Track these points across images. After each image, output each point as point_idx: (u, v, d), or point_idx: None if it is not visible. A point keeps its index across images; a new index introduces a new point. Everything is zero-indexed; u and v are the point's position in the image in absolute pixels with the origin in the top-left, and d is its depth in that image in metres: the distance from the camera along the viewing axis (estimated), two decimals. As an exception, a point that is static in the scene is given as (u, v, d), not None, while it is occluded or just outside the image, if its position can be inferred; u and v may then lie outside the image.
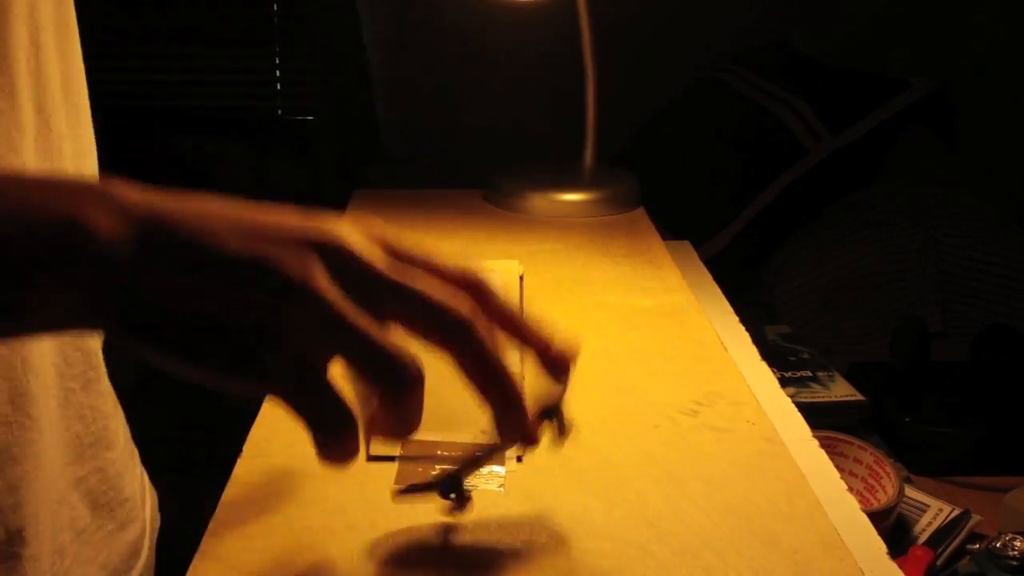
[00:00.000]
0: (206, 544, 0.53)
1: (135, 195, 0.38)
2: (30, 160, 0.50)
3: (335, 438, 0.40)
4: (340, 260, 0.39)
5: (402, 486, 0.52)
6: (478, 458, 0.51)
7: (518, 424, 0.44)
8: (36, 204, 0.37)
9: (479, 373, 0.42)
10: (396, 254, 0.41)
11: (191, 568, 0.52)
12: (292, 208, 0.41)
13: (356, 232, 0.40)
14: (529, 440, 0.46)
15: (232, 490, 0.58)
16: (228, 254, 0.38)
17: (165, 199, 0.39)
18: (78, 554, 0.57)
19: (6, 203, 0.36)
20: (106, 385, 0.60)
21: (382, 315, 0.40)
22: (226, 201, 0.40)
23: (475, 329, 0.41)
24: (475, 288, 0.43)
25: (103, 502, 0.59)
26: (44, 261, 0.36)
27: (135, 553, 0.63)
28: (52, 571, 0.53)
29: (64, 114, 0.54)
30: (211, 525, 0.55)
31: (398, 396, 0.40)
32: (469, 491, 0.52)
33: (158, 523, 0.69)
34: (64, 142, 0.54)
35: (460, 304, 0.41)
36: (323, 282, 0.38)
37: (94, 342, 0.58)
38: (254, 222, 0.39)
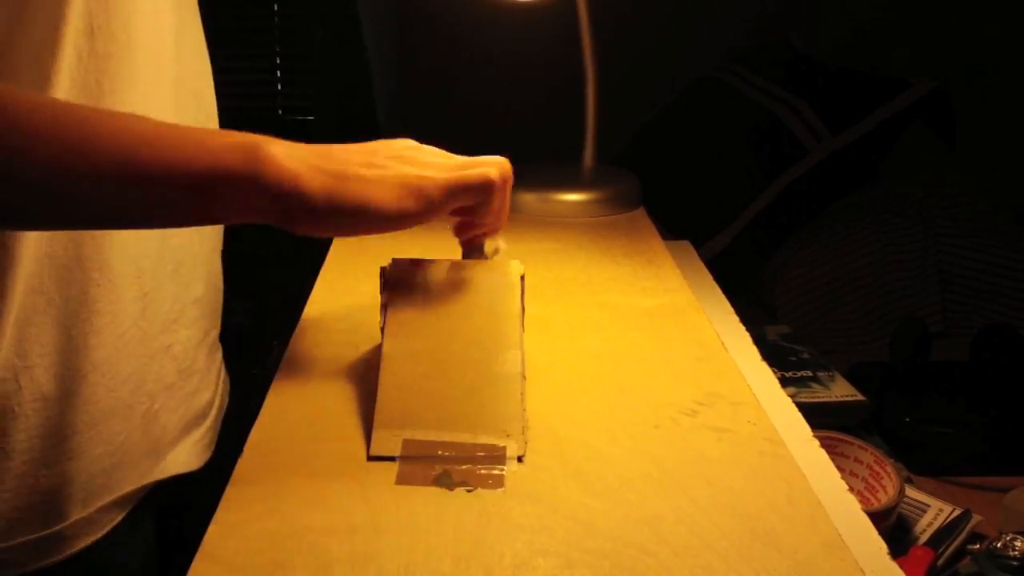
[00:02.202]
0: (206, 544, 0.53)
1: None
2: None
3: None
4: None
5: None
6: None
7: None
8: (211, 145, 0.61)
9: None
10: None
11: (191, 568, 0.52)
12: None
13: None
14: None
15: (233, 490, 0.58)
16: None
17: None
18: (166, 403, 0.73)
19: (192, 137, 0.61)
20: (185, 277, 0.74)
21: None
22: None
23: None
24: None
25: (184, 367, 0.75)
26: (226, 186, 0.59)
27: (204, 415, 0.80)
28: (141, 409, 0.69)
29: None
30: (212, 525, 0.55)
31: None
32: None
33: (225, 402, 0.86)
34: None
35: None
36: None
37: (176, 240, 0.72)
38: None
